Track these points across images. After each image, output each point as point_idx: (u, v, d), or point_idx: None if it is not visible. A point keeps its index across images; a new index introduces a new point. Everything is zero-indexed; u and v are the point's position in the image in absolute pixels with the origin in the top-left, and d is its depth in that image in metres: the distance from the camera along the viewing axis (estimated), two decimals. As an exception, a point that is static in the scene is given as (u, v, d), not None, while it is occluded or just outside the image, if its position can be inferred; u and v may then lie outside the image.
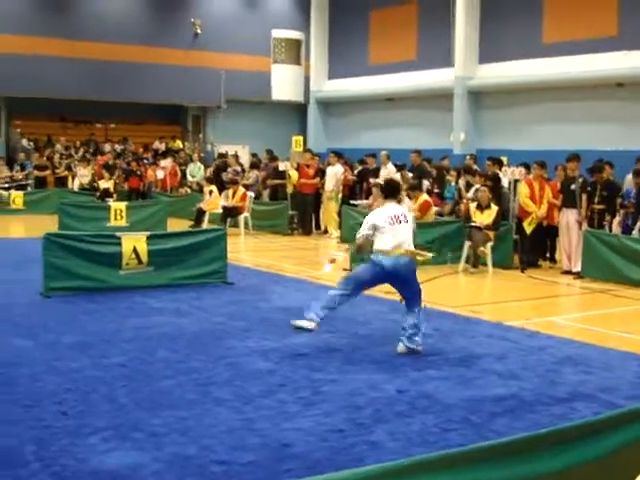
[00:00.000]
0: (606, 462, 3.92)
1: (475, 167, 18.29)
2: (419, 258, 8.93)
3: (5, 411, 6.35)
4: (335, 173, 20.48)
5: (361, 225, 8.81)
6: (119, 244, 11.77)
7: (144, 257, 11.88)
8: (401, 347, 8.48)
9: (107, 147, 31.26)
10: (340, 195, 20.51)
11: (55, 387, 7.00)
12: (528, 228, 15.05)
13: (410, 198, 16.48)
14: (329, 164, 21.02)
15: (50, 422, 6.11)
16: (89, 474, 5.16)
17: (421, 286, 8.83)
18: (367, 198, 19.80)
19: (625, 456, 3.98)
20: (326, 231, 20.67)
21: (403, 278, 8.57)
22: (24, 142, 30.60)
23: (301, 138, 23.18)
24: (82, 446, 5.63)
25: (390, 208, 8.68)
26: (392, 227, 8.49)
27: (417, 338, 8.48)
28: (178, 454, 5.52)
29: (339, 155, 21.37)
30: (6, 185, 25.61)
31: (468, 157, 20.29)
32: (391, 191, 8.87)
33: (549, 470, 3.70)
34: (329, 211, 20.57)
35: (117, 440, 5.76)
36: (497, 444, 3.65)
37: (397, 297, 10.77)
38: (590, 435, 3.89)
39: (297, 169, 21.29)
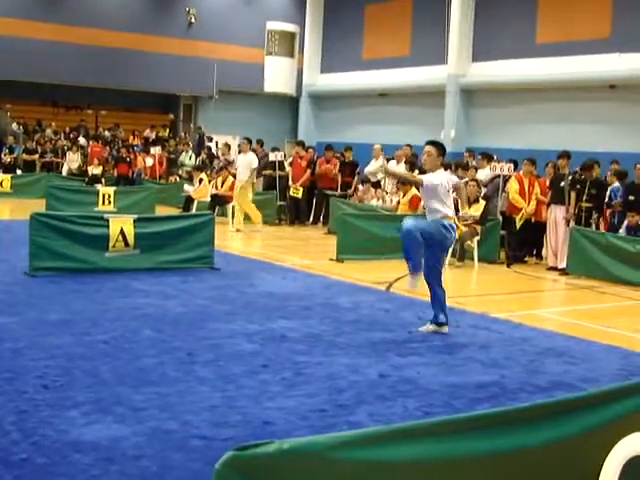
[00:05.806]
0: (579, 441, 3.96)
1: (471, 162, 18.34)
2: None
3: (-14, 383, 6.34)
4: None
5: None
6: (107, 226, 11.70)
7: (131, 240, 11.84)
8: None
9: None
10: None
11: (37, 362, 6.98)
12: (519, 223, 15.12)
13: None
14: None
15: (31, 395, 6.10)
16: (69, 445, 5.15)
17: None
18: (345, 189, 20.01)
19: (599, 435, 4.00)
20: (315, 222, 20.66)
21: None
22: (14, 126, 30.43)
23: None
24: (62, 418, 5.62)
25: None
26: None
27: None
28: (159, 428, 5.51)
29: (330, 147, 21.24)
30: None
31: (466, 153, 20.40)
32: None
33: (528, 444, 3.72)
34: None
35: (98, 414, 5.75)
36: (481, 415, 3.69)
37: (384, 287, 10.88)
38: (566, 413, 3.93)
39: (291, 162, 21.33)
